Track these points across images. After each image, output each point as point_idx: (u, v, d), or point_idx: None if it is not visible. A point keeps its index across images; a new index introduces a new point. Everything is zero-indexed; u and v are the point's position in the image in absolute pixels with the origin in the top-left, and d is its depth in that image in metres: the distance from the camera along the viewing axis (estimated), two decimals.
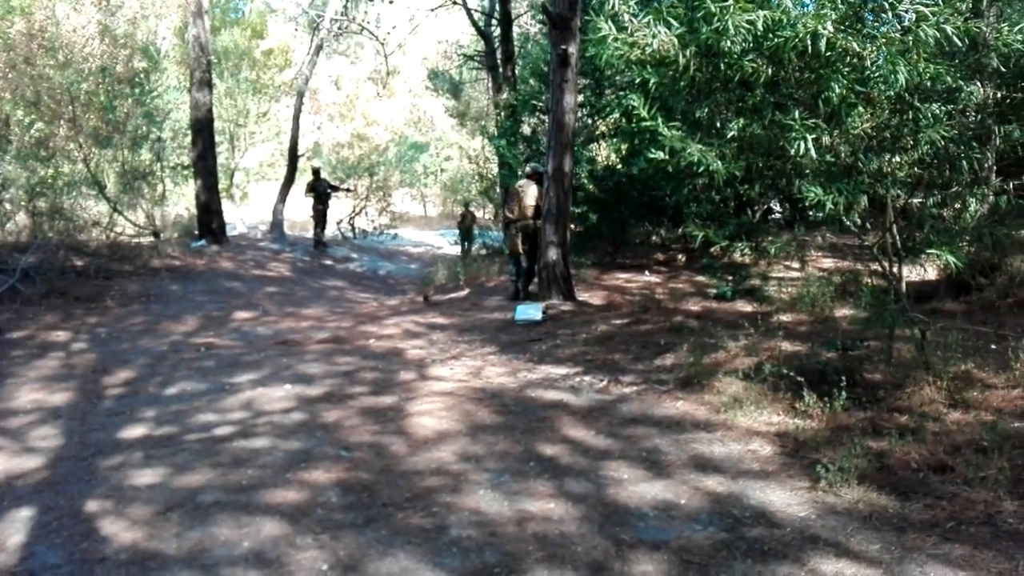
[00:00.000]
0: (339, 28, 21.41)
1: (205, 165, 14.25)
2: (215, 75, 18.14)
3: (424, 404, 5.20)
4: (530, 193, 9.12)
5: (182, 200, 18.49)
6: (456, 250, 17.39)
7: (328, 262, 15.34)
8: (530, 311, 7.82)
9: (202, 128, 14.17)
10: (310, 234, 17.00)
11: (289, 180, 17.82)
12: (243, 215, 21.58)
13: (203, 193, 14.21)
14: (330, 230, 17.82)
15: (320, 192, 16.17)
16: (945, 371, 4.41)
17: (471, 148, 21.51)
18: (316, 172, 16.66)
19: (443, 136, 32.36)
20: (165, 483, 4.01)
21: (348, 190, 17.75)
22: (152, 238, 14.17)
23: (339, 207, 19.41)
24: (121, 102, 14.19)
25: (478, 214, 19.13)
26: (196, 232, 14.55)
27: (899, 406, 4.28)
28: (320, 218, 16.27)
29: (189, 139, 15.14)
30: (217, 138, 16.89)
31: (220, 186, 15.93)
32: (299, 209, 20.65)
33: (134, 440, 4.75)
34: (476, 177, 18.43)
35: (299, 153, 18.66)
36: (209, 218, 14.26)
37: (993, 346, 5.09)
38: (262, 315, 9.47)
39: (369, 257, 16.73)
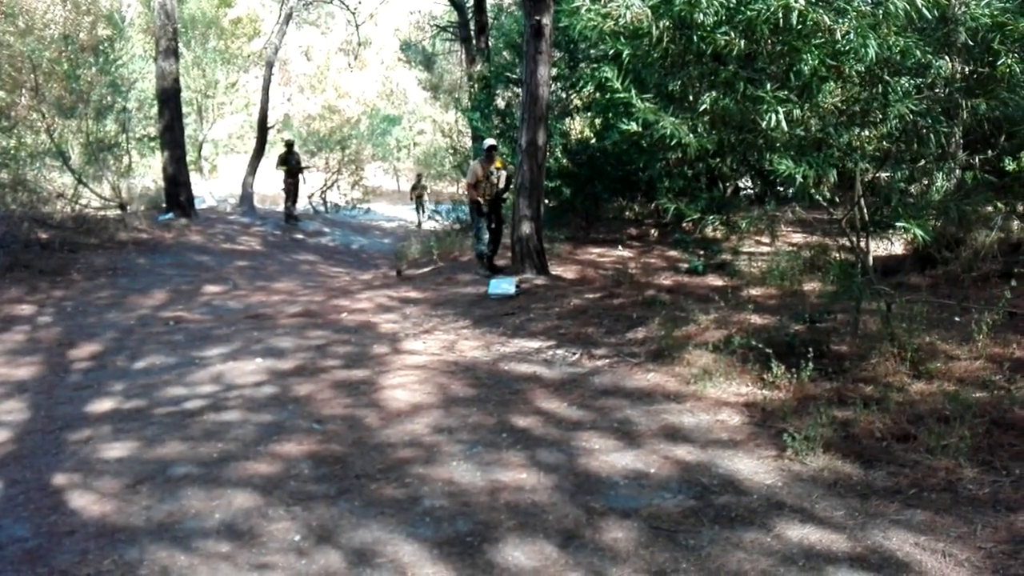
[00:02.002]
0: None
1: (172, 136, 13.94)
2: (182, 44, 17.72)
3: (397, 377, 5.19)
4: (474, 169, 9.08)
5: (149, 172, 18.11)
6: (430, 225, 17.30)
7: (299, 236, 15.17)
8: (503, 285, 7.82)
9: (169, 98, 13.84)
10: (281, 208, 16.78)
11: (259, 153, 17.54)
12: (212, 188, 21.22)
13: (170, 165, 13.92)
14: (302, 204, 17.61)
15: (292, 165, 15.95)
16: (909, 343, 4.50)
17: (444, 121, 21.28)
18: (289, 145, 16.41)
19: (416, 109, 32.04)
20: (134, 456, 3.97)
21: (307, 167, 17.51)
22: (118, 211, 13.87)
23: (311, 181, 19.17)
24: (85, 71, 13.78)
25: (452, 188, 19.05)
26: (164, 205, 14.27)
27: (864, 377, 4.36)
28: (291, 192, 16.05)
29: (156, 110, 14.78)
30: (185, 109, 16.54)
31: (188, 158, 15.62)
32: (270, 182, 20.36)
33: (102, 414, 4.69)
34: (450, 151, 18.29)
35: (269, 125, 18.34)
36: (177, 191, 13.99)
37: (957, 319, 5.20)
38: (232, 289, 9.36)
39: (341, 231, 16.57)
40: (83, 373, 5.66)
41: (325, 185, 20.11)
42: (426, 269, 10.08)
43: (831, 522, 3.02)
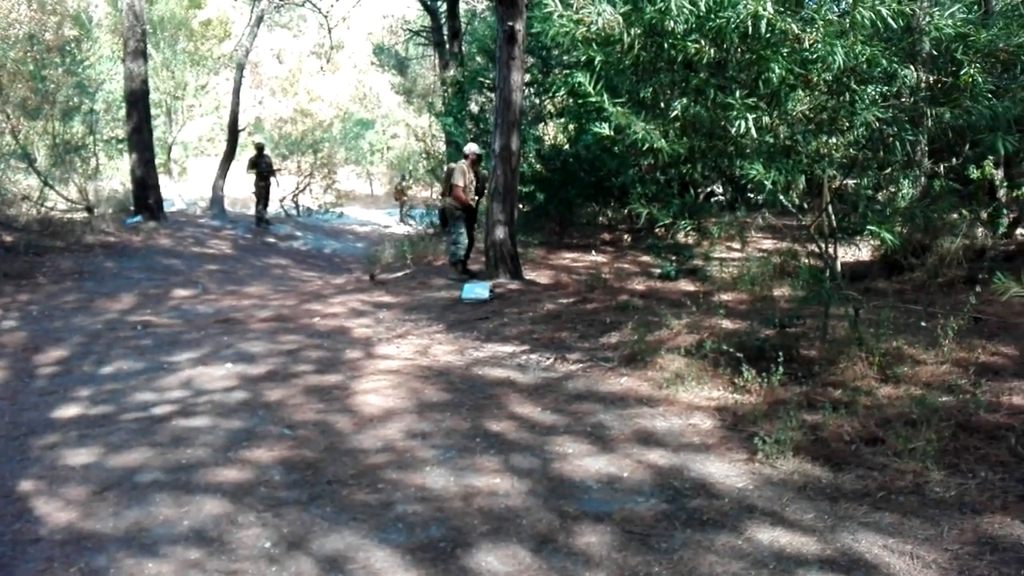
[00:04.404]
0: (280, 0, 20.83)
1: (140, 139, 13.74)
2: (151, 45, 17.45)
3: (370, 382, 5.16)
4: (462, 171, 9.07)
5: (117, 175, 17.81)
6: (404, 229, 17.23)
7: (271, 240, 15.02)
8: (477, 289, 7.81)
9: (137, 100, 13.63)
10: (252, 211, 16.60)
11: (229, 155, 17.32)
12: (181, 191, 20.92)
13: (139, 168, 13.71)
14: (273, 207, 17.43)
15: (263, 168, 15.79)
16: (877, 347, 4.58)
17: (418, 126, 21.26)
18: (259, 148, 16.25)
19: (389, 113, 31.90)
20: (101, 463, 3.90)
21: (278, 170, 17.31)
22: (85, 213, 13.63)
23: (283, 184, 18.99)
24: (51, 71, 13.54)
25: (425, 193, 19.00)
26: (132, 208, 14.04)
27: (833, 381, 4.43)
28: (263, 195, 15.89)
29: (124, 111, 14.55)
30: (153, 111, 16.28)
31: (157, 161, 15.39)
32: (240, 185, 20.12)
33: (68, 419, 4.60)
34: (423, 155, 18.25)
35: (240, 128, 18.13)
36: (145, 193, 13.78)
37: (923, 324, 5.29)
38: (202, 293, 9.24)
39: (314, 235, 16.44)
40: (49, 378, 5.55)
41: (297, 188, 19.94)
42: (400, 273, 10.03)
43: (801, 525, 3.05)
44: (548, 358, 5.66)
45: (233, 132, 17.51)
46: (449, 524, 3.21)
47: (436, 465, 3.81)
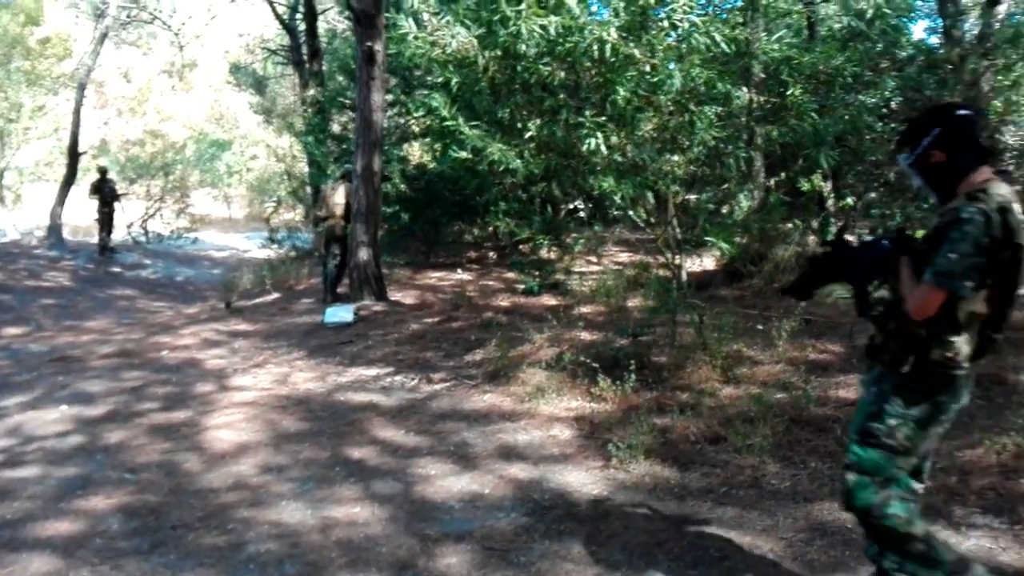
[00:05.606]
0: (127, 16, 19.64)
1: None
2: None
3: (223, 417, 4.91)
4: (340, 192, 8.92)
5: None
6: (264, 253, 16.56)
7: (116, 269, 14.03)
8: (340, 313, 7.64)
9: None
10: (95, 239, 15.45)
11: (69, 180, 16.04)
12: (16, 220, 19.19)
13: None
14: (120, 234, 16.31)
15: (106, 193, 14.75)
16: (719, 351, 4.86)
17: (278, 146, 20.56)
18: (103, 172, 15.18)
19: (248, 134, 30.69)
20: None
21: (123, 195, 16.20)
22: None
23: (131, 209, 17.82)
24: None
25: (288, 215, 18.37)
26: None
27: (681, 385, 4.66)
28: (106, 222, 14.82)
29: None
30: None
31: None
32: (82, 212, 18.69)
33: None
34: (285, 176, 17.69)
35: (81, 151, 16.86)
36: None
37: (760, 327, 5.68)
38: (35, 330, 8.49)
39: (165, 263, 15.50)
40: None
41: (146, 214, 18.77)
42: (259, 300, 9.64)
43: (651, 527, 3.17)
44: (413, 379, 5.61)
45: (73, 155, 16.25)
46: (305, 560, 3.10)
47: (292, 499, 3.67)
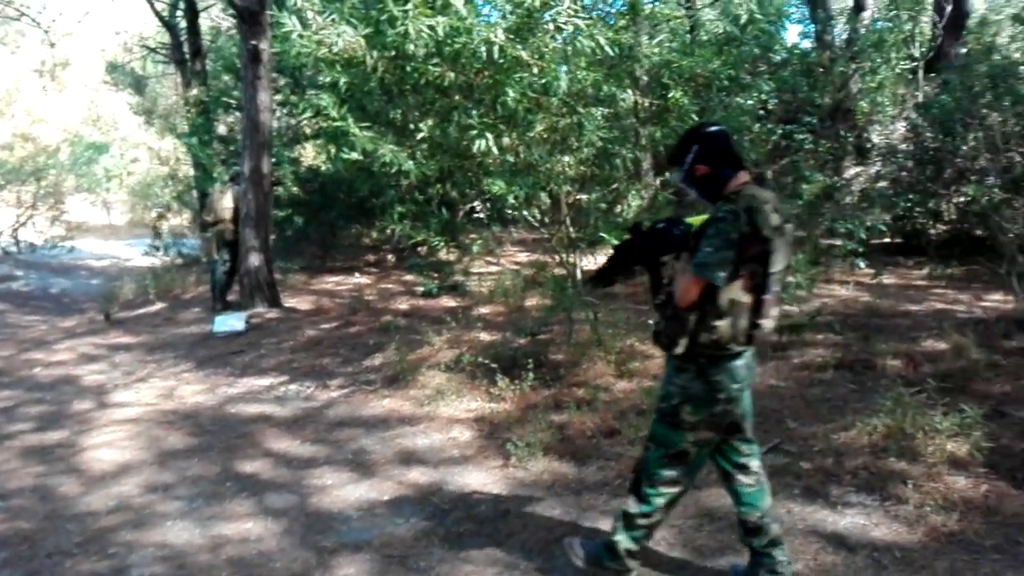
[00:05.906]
0: None
1: None
2: None
3: (102, 435, 4.64)
4: (228, 196, 8.58)
5: None
6: (148, 261, 15.74)
7: None
8: (231, 321, 7.35)
9: None
10: None
11: None
12: None
13: None
14: None
15: None
16: (614, 347, 4.99)
17: (161, 149, 19.56)
18: None
19: (128, 136, 29.07)
20: None
21: None
22: None
23: (0, 217, 16.56)
24: None
25: (174, 220, 17.51)
26: None
27: (578, 381, 4.74)
28: None
29: None
30: None
31: None
32: None
33: None
34: (169, 180, 16.87)
35: None
36: None
37: (651, 322, 5.85)
38: None
39: (38, 274, 14.47)
40: None
41: (17, 222, 17.46)
42: (142, 310, 9.15)
43: (549, 523, 3.20)
44: (308, 387, 5.47)
45: None
46: None
47: (179, 518, 3.51)
